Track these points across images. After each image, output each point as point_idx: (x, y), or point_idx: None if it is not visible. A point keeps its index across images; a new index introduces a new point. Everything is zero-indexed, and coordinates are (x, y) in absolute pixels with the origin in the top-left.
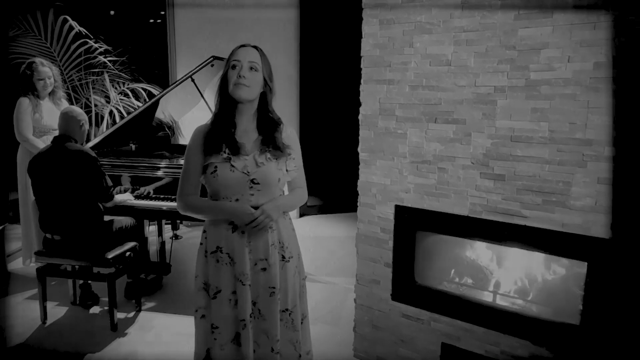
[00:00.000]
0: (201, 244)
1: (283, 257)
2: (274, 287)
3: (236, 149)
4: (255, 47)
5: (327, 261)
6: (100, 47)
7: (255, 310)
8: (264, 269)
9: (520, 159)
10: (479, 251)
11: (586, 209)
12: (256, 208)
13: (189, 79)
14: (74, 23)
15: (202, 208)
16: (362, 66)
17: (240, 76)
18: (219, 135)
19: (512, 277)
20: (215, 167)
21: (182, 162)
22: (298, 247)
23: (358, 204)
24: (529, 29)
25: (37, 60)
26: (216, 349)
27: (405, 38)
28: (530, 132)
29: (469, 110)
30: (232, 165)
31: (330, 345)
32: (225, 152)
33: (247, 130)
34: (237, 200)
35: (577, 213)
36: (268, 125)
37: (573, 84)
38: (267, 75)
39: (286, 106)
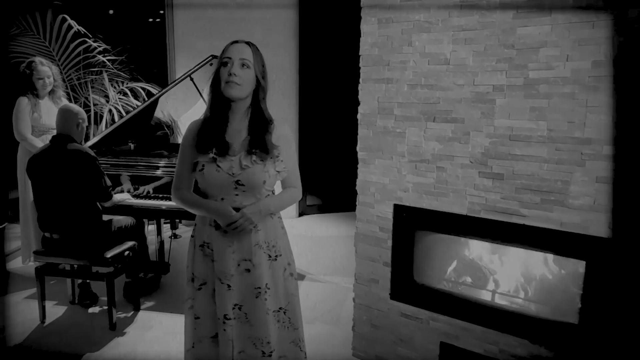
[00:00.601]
0: (192, 236)
1: (269, 256)
2: (259, 287)
3: (224, 150)
4: (247, 43)
5: (326, 260)
6: (99, 46)
7: (241, 315)
8: (248, 270)
9: (518, 157)
10: (478, 250)
11: (585, 208)
12: (239, 210)
13: (188, 78)
14: (72, 22)
15: (190, 203)
16: (360, 65)
17: (231, 74)
18: (209, 134)
19: (511, 276)
20: (203, 165)
21: None
22: (289, 245)
23: (357, 203)
24: (527, 28)
25: (37, 59)
26: (196, 341)
27: (403, 37)
28: (529, 131)
29: (467, 109)
30: (218, 166)
31: (330, 344)
32: (212, 151)
33: (239, 129)
34: (222, 199)
35: (575, 212)
36: (258, 125)
37: (572, 83)
38: (259, 72)
39: (286, 105)
